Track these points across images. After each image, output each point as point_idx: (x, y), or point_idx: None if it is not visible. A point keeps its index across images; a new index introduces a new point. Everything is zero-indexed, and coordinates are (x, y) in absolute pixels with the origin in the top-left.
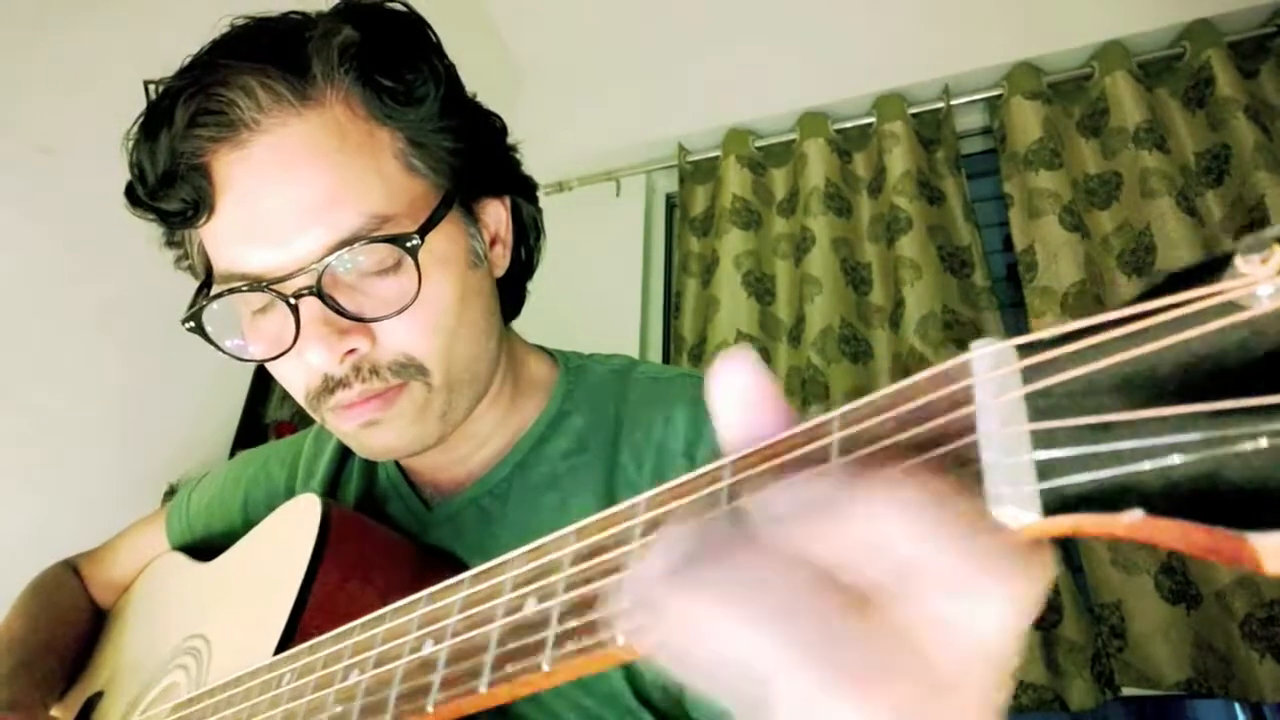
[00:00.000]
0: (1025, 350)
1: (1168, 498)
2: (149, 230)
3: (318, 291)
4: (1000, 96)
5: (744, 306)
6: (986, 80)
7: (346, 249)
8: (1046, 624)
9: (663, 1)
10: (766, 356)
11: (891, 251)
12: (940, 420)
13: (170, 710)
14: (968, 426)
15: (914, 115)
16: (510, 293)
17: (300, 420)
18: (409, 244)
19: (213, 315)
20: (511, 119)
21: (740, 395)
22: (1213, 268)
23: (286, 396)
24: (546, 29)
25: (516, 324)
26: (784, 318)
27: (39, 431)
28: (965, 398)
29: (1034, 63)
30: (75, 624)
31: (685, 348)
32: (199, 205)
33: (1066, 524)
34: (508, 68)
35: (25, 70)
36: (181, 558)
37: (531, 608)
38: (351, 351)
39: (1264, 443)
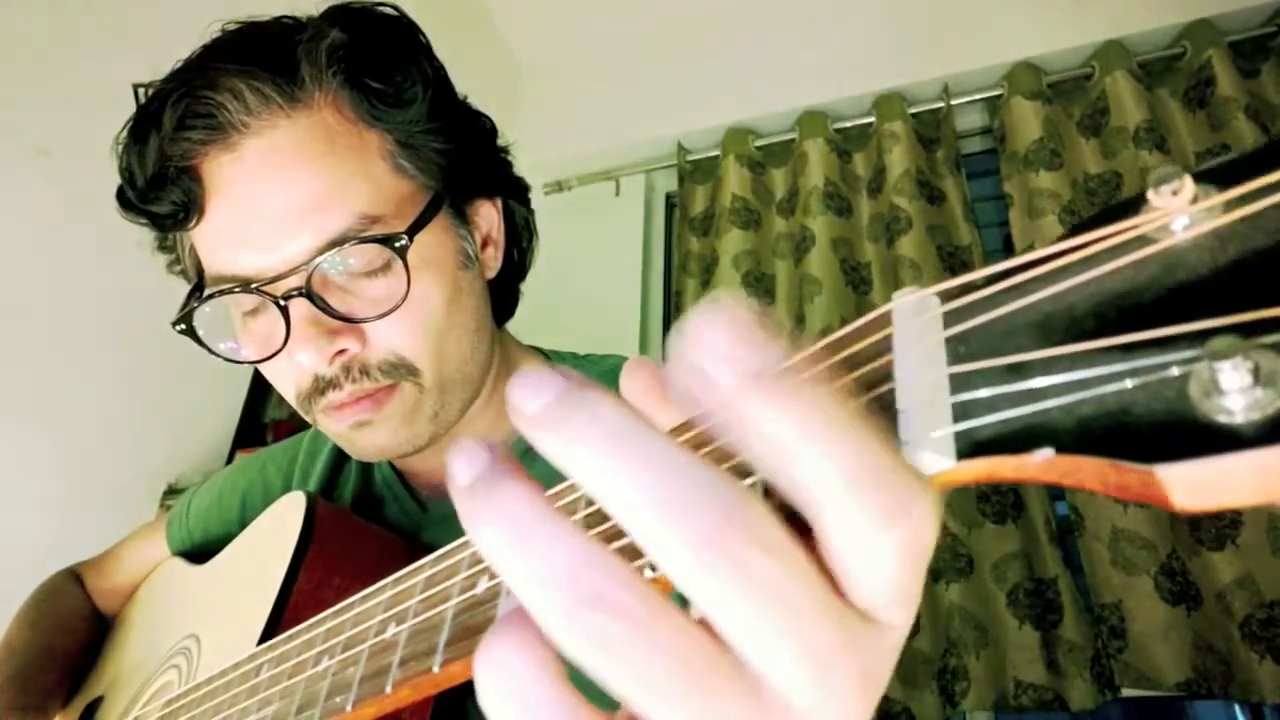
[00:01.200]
0: (947, 296)
1: (1078, 435)
2: (143, 234)
3: (307, 293)
4: (1000, 96)
5: None
6: (986, 80)
7: (335, 250)
8: (1047, 624)
9: (663, 1)
10: None
11: (891, 251)
12: (861, 370)
13: (160, 708)
14: (886, 374)
15: (914, 115)
16: (502, 294)
17: (299, 420)
18: (397, 244)
19: (205, 317)
20: (511, 118)
21: (647, 394)
22: (1129, 206)
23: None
24: (547, 28)
25: (517, 323)
26: (784, 318)
27: (39, 431)
28: (885, 346)
29: (1034, 62)
30: (78, 631)
31: None
32: (188, 208)
33: (982, 468)
34: (508, 67)
35: (25, 72)
36: (180, 562)
37: (484, 585)
38: (341, 352)
39: (1172, 372)
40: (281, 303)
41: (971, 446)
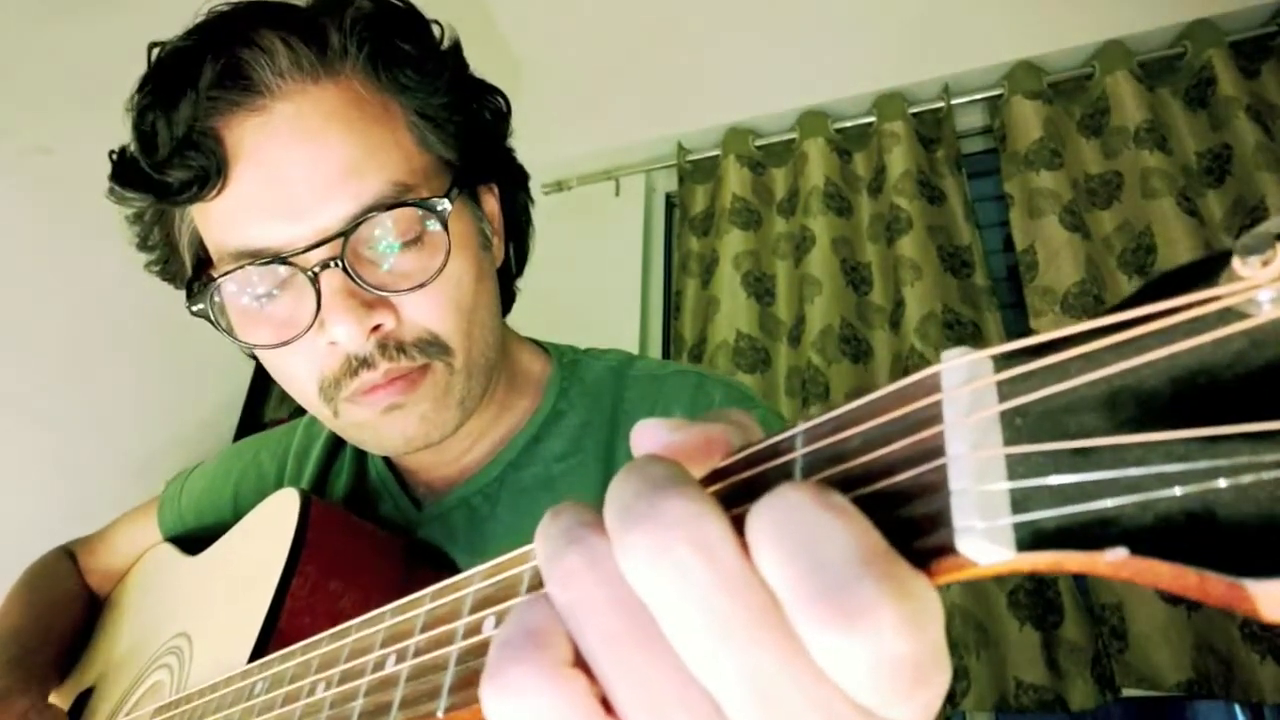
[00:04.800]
0: (1002, 362)
1: (1155, 535)
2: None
3: (342, 263)
4: (1001, 96)
5: (744, 306)
6: (987, 80)
7: (371, 216)
8: (1047, 625)
9: (663, 1)
10: (766, 356)
11: (892, 251)
12: (907, 440)
13: (152, 713)
14: (936, 448)
15: (914, 114)
16: (502, 288)
17: (297, 419)
18: (439, 208)
19: (216, 304)
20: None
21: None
22: (1208, 269)
23: (286, 395)
24: (547, 28)
25: (518, 322)
26: (784, 318)
27: (39, 431)
28: (934, 415)
29: (1034, 62)
30: (72, 613)
31: (685, 348)
32: (209, 176)
33: (1045, 561)
34: (508, 66)
35: (25, 71)
36: (172, 551)
37: (490, 629)
38: (377, 328)
39: (1264, 475)
40: (314, 273)
41: (1033, 539)
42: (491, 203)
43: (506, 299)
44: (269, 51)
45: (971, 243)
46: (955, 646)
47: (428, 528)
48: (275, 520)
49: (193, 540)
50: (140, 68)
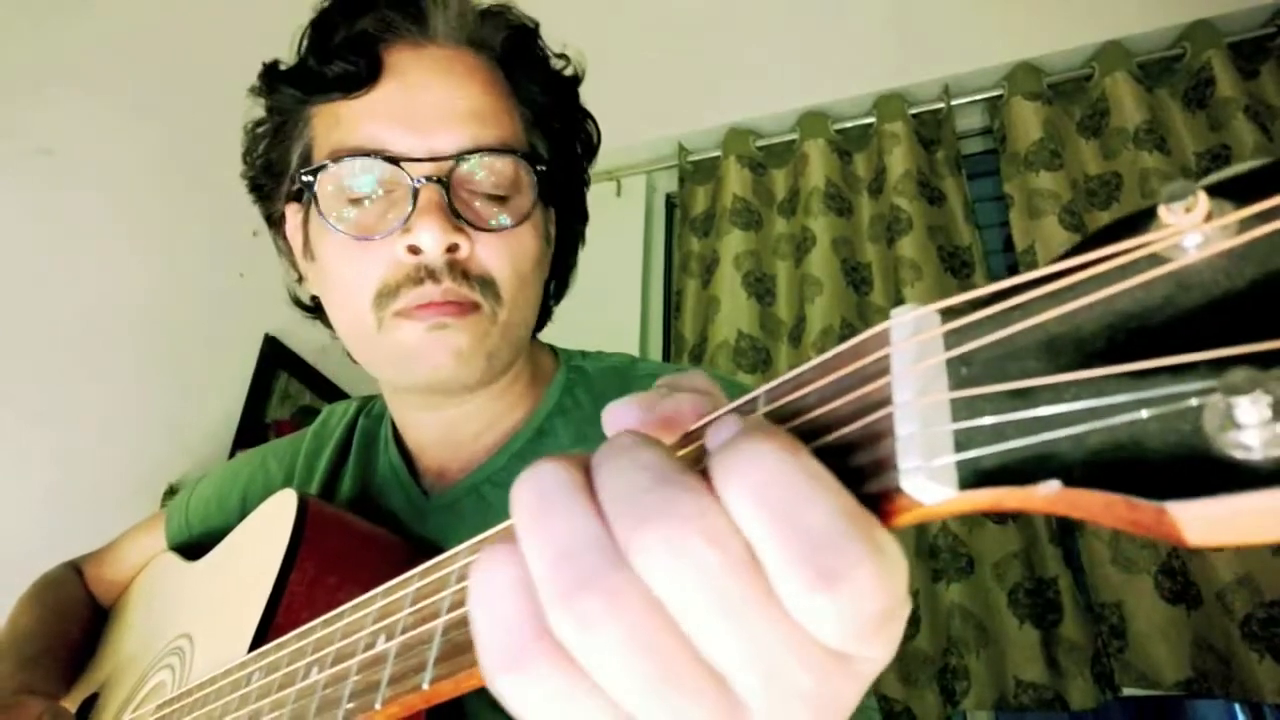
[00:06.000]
0: (948, 314)
1: (1087, 467)
2: (149, 231)
3: (445, 181)
4: (1001, 97)
5: (744, 306)
6: (987, 80)
7: (483, 154)
8: (1047, 623)
9: (663, 1)
10: (767, 356)
11: (892, 252)
12: (858, 393)
13: (154, 710)
14: (884, 398)
15: (914, 115)
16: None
17: (299, 420)
18: (538, 166)
19: (314, 197)
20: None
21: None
22: (1139, 221)
23: (286, 396)
24: (546, 29)
25: None
26: (784, 318)
27: (39, 432)
28: (883, 367)
29: (1034, 63)
30: (80, 621)
31: (686, 348)
32: (360, 76)
33: (985, 498)
34: None
35: (25, 71)
36: (174, 558)
37: None
38: (454, 248)
39: (1190, 403)
40: (416, 182)
41: (975, 476)
42: (551, 227)
43: (541, 319)
44: (446, 6)
45: (971, 243)
46: (955, 645)
47: (436, 516)
48: (273, 520)
49: (197, 548)
50: (140, 67)
